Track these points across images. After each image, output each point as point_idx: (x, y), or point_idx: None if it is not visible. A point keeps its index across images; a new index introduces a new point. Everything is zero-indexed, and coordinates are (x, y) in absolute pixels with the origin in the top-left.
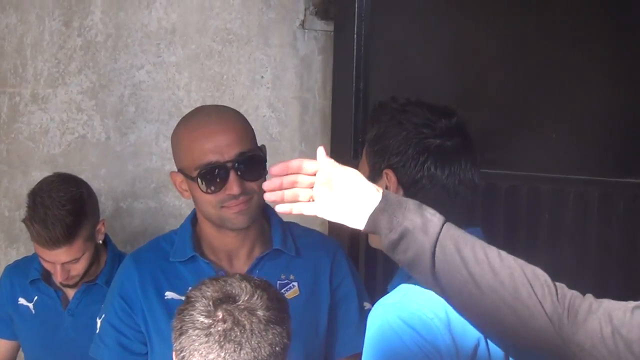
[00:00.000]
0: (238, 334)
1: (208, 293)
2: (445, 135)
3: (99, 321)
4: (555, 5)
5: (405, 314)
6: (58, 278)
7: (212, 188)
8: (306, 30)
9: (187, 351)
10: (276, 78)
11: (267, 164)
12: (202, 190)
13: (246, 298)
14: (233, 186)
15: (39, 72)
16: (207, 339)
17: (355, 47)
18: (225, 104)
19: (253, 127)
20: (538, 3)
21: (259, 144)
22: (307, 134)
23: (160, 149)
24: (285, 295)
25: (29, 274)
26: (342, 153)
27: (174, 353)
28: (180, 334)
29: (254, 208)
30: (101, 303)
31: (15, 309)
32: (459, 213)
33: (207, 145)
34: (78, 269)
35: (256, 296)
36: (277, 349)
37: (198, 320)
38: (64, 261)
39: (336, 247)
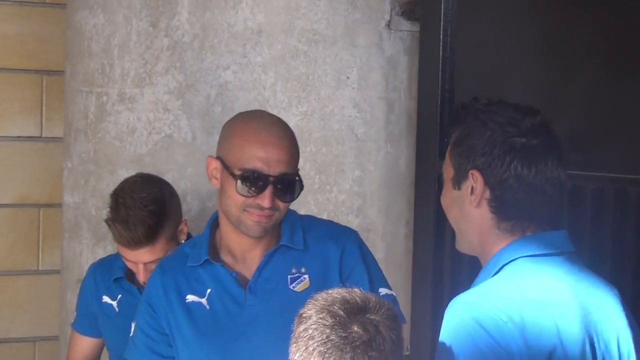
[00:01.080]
0: (381, 342)
1: (336, 306)
2: (531, 133)
3: (133, 325)
4: None
5: (480, 314)
6: (141, 278)
7: (248, 193)
8: (392, 31)
9: None
10: (362, 78)
11: (350, 166)
12: (237, 191)
13: (377, 308)
14: (265, 199)
15: (126, 72)
16: (352, 352)
17: (441, 48)
18: (311, 105)
19: (339, 128)
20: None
21: (344, 144)
22: (393, 134)
23: None
24: (296, 288)
25: (113, 272)
26: (428, 154)
27: None
28: (315, 356)
29: (272, 222)
30: None
31: (100, 307)
32: (546, 213)
33: (260, 153)
34: None
35: (384, 306)
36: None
37: (336, 335)
38: (146, 261)
39: (348, 236)
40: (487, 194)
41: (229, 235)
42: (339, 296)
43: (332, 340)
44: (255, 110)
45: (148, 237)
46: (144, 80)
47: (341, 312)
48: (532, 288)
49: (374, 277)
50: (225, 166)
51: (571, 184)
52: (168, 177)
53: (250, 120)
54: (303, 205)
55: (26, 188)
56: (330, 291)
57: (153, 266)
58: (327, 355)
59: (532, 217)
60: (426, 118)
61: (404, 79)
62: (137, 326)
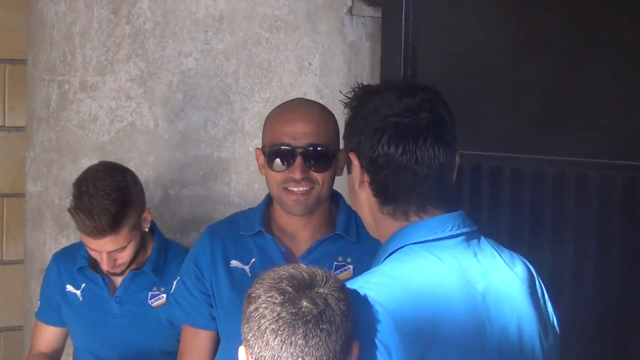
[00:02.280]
0: (331, 314)
1: (283, 283)
2: (405, 112)
3: (174, 283)
4: None
5: (358, 305)
6: (104, 266)
7: (279, 166)
8: (354, 17)
9: (284, 345)
10: (324, 65)
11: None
12: (269, 167)
13: (324, 282)
14: (296, 170)
15: (87, 60)
16: (305, 327)
17: (403, 34)
18: (273, 91)
19: (332, 117)
20: None
21: (333, 134)
22: None
23: (209, 136)
24: (339, 275)
25: (76, 261)
26: None
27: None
28: (268, 334)
29: (313, 199)
30: (148, 290)
31: (63, 295)
32: (426, 195)
33: (287, 128)
34: (124, 257)
35: (332, 279)
36: (353, 327)
37: (286, 311)
38: (110, 250)
39: None
40: (365, 176)
41: (280, 214)
42: (285, 273)
43: (283, 317)
44: (293, 99)
45: (112, 226)
46: (105, 68)
47: (289, 289)
48: (414, 276)
49: None
50: (263, 151)
51: (532, 168)
52: (130, 165)
53: (282, 105)
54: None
55: None
56: (276, 269)
57: (116, 255)
58: (279, 332)
59: (410, 200)
60: None
61: (366, 65)
62: (182, 283)
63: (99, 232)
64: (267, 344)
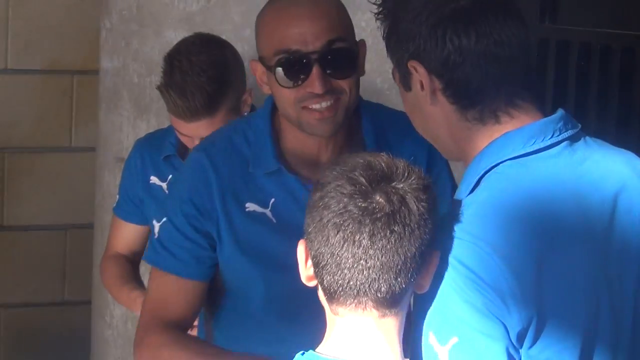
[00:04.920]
0: (407, 214)
1: (357, 172)
2: None
3: (157, 225)
4: None
5: (459, 250)
6: None
7: (291, 82)
8: None
9: (347, 244)
10: None
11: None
12: (279, 84)
13: (406, 177)
14: (315, 82)
15: None
16: (372, 225)
17: None
18: None
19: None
20: None
21: (348, 23)
22: None
23: None
24: None
25: (163, 149)
26: None
27: (315, 260)
28: (332, 229)
29: (341, 113)
30: None
31: (147, 189)
32: (512, 82)
33: (291, 30)
34: None
35: (414, 175)
36: (434, 234)
37: (355, 205)
38: (205, 135)
39: None
40: (437, 83)
41: (297, 137)
42: (362, 161)
43: (349, 210)
44: None
45: (207, 108)
46: None
47: (362, 179)
48: (515, 200)
49: (454, 185)
50: (265, 64)
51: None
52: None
53: (275, 1)
54: None
55: (58, 51)
56: (353, 155)
57: None
58: (343, 227)
59: (498, 93)
60: None
61: None
62: (173, 228)
63: (193, 113)
64: (327, 239)
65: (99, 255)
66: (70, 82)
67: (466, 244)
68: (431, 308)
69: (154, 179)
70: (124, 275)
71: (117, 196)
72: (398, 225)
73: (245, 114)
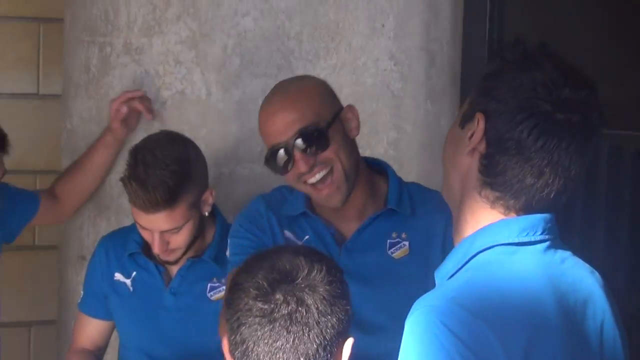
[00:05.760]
0: (304, 314)
1: (260, 275)
2: (562, 105)
3: (228, 251)
4: None
5: (449, 318)
6: (156, 249)
7: (283, 169)
8: None
9: (251, 342)
10: (399, 27)
11: (385, 126)
12: (277, 173)
13: (304, 275)
14: (299, 164)
15: (132, 19)
16: (271, 325)
17: None
18: (341, 56)
19: (371, 83)
20: None
21: (379, 101)
22: (434, 90)
23: None
24: (394, 254)
25: (128, 246)
26: None
27: (230, 347)
28: (239, 326)
29: (340, 179)
30: (208, 281)
31: (111, 285)
32: (535, 198)
33: (269, 128)
34: (178, 241)
35: (315, 271)
36: (343, 324)
37: (256, 307)
38: (163, 229)
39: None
40: (482, 146)
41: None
42: (266, 263)
43: (252, 312)
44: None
45: (167, 200)
46: (152, 29)
47: (264, 282)
48: (507, 285)
49: None
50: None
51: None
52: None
53: (264, 100)
54: None
55: (21, 152)
56: (269, 252)
57: (170, 237)
58: (247, 326)
59: (518, 198)
60: (472, 72)
61: (447, 28)
62: (237, 242)
63: (153, 205)
64: (239, 333)
65: (63, 351)
66: (34, 182)
67: (459, 316)
68: None
69: (118, 276)
70: None
71: (82, 292)
72: (295, 325)
73: (206, 213)
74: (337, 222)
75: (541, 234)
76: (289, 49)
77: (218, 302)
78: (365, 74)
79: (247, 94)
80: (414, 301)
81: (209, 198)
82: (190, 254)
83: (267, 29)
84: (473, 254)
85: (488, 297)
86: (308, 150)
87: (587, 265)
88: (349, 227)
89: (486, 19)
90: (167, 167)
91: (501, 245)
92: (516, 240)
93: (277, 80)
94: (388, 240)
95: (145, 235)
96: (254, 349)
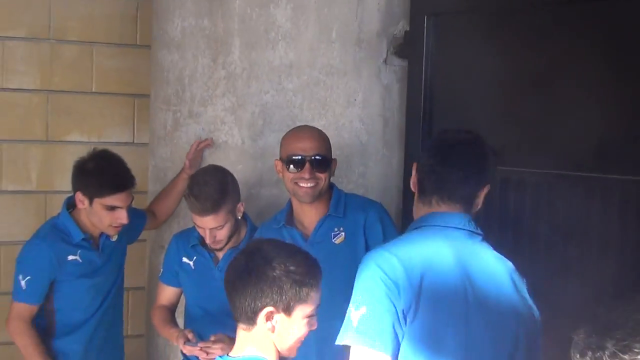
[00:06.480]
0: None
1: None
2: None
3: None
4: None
5: (380, 259)
6: (207, 240)
7: (295, 170)
8: (387, 65)
9: None
10: (365, 100)
11: (357, 164)
12: (287, 169)
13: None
14: (305, 172)
15: (193, 95)
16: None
17: (423, 78)
18: (328, 119)
19: (347, 136)
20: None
21: (352, 148)
22: (388, 142)
23: None
24: (336, 240)
25: (190, 240)
26: (413, 156)
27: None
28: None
29: (317, 190)
30: None
31: (180, 265)
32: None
33: (298, 144)
34: (222, 234)
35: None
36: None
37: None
38: (212, 227)
39: (372, 206)
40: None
41: (296, 207)
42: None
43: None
44: (300, 125)
45: (213, 208)
46: (207, 101)
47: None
48: (423, 243)
49: (387, 235)
50: (282, 159)
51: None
52: None
53: (292, 130)
54: None
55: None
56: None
57: (216, 232)
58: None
59: (433, 197)
60: (413, 130)
61: (396, 100)
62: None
63: (204, 211)
64: None
65: (149, 307)
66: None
67: (383, 256)
68: (355, 288)
69: (184, 259)
70: (165, 318)
71: (161, 269)
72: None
73: (239, 217)
74: (303, 229)
75: (457, 224)
76: (294, 114)
77: None
78: (344, 130)
79: (267, 143)
80: (348, 273)
81: (240, 208)
82: (230, 244)
83: (280, 101)
84: (412, 228)
85: (405, 245)
86: (314, 167)
87: (502, 258)
88: (309, 229)
89: (421, 95)
90: (213, 187)
91: (429, 226)
92: (437, 224)
93: None
94: (332, 233)
95: (201, 231)
96: None
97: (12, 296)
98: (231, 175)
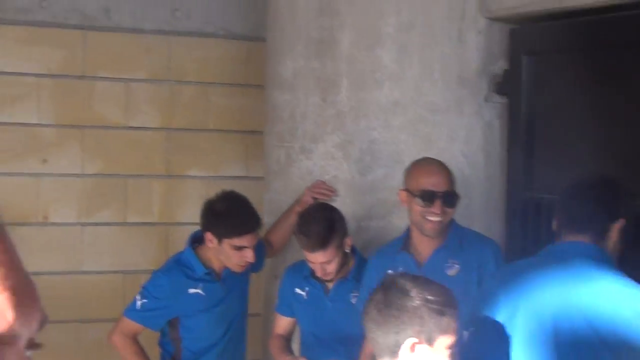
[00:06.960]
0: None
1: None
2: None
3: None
4: None
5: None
6: (318, 273)
7: (425, 205)
8: (488, 102)
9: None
10: (467, 136)
11: (461, 196)
12: (418, 204)
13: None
14: (437, 208)
15: (305, 132)
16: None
17: (522, 113)
18: (433, 155)
19: (452, 170)
20: None
21: (455, 182)
22: (491, 175)
23: (389, 185)
24: (449, 272)
25: (303, 272)
26: (517, 189)
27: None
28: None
29: (444, 225)
30: (351, 292)
31: (294, 296)
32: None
33: (430, 179)
34: (331, 267)
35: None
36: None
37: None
38: (322, 261)
39: (488, 244)
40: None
41: (417, 237)
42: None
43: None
44: (423, 157)
45: (322, 244)
46: (317, 139)
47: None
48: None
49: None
50: (409, 191)
51: None
52: (335, 204)
53: (421, 162)
54: None
55: None
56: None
57: (325, 266)
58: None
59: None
60: (515, 163)
61: (497, 135)
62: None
63: (312, 247)
64: None
65: (266, 335)
66: None
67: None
68: None
69: (297, 290)
70: (281, 346)
71: (277, 300)
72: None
73: (347, 251)
74: (418, 256)
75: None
76: (400, 150)
77: (356, 304)
78: (448, 165)
79: (375, 177)
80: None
81: (348, 242)
82: (339, 275)
83: (387, 138)
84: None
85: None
86: (444, 203)
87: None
88: (424, 257)
89: (523, 130)
90: (321, 225)
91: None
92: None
93: (395, 170)
94: (445, 264)
95: (312, 265)
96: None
97: (123, 312)
98: (338, 211)
